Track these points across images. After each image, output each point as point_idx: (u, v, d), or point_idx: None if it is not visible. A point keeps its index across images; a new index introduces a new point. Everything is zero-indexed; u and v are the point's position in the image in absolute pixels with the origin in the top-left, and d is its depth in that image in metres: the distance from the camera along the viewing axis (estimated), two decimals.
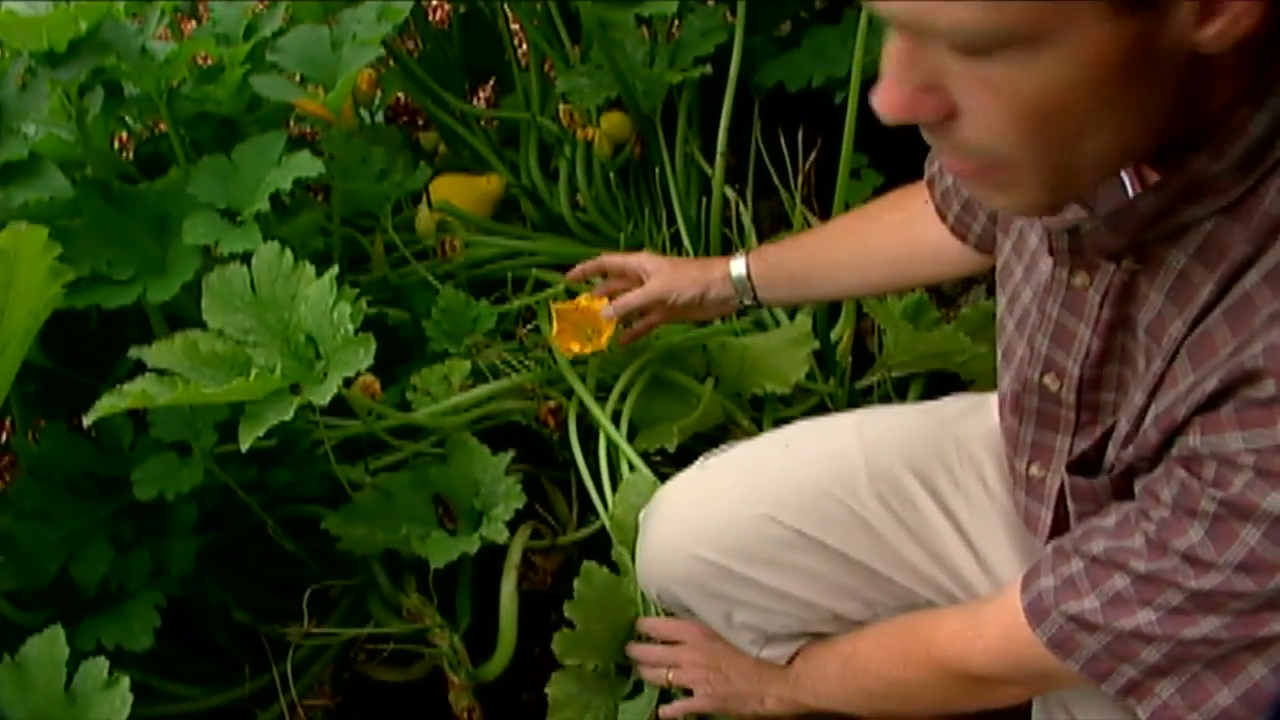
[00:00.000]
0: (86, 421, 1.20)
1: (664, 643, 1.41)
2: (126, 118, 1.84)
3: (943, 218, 1.25)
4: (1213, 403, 0.78)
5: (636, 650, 1.44)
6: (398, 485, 1.55)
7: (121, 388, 1.24)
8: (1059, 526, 1.04)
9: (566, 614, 1.42)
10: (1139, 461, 0.88)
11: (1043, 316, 0.95)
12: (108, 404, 1.21)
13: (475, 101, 2.37)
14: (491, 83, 2.41)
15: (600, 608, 1.44)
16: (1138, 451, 0.87)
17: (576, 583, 1.43)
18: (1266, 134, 0.72)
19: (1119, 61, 0.67)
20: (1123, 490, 0.93)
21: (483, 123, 2.24)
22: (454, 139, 2.20)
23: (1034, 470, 1.05)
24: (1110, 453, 0.93)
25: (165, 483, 1.38)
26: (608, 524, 1.50)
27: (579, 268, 1.64)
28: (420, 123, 2.44)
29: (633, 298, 1.54)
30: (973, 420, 1.24)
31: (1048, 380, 0.97)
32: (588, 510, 1.70)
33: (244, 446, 1.23)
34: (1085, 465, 0.97)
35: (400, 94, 2.37)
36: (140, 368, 1.33)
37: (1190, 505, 0.81)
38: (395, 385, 1.68)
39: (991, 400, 1.24)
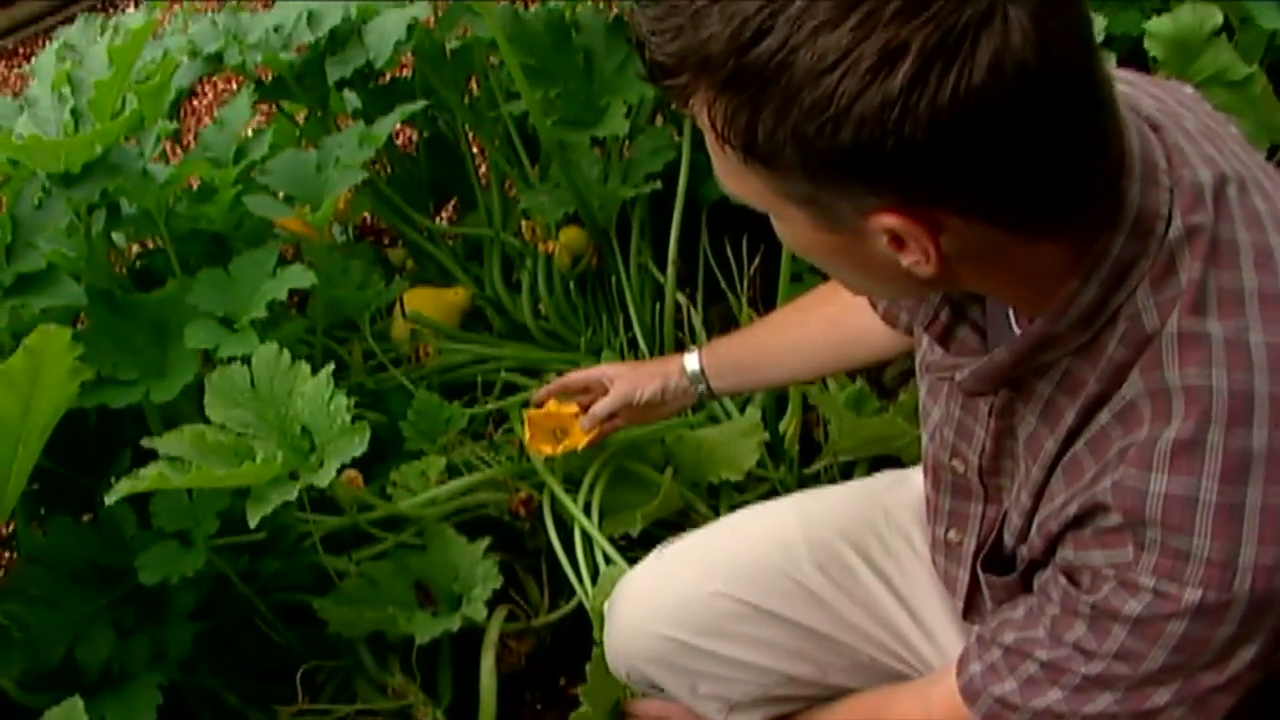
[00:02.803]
0: (109, 501, 1.33)
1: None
2: (112, 234, 1.97)
3: (874, 306, 1.41)
4: (1078, 523, 0.94)
5: None
6: (381, 573, 1.67)
7: (138, 472, 1.36)
8: (976, 585, 1.18)
9: (581, 698, 1.52)
10: (1034, 560, 1.04)
11: (947, 411, 1.11)
12: (127, 486, 1.34)
13: (439, 219, 2.53)
14: (454, 202, 2.57)
15: (602, 690, 1.55)
16: (1030, 554, 1.03)
17: (588, 668, 1.53)
18: (1097, 299, 0.87)
19: (839, 251, 0.89)
20: (1028, 583, 1.07)
21: (448, 239, 2.40)
22: (421, 254, 2.36)
23: (951, 535, 1.20)
24: (1008, 541, 1.09)
25: (169, 568, 1.49)
26: (590, 611, 1.62)
27: (544, 390, 1.76)
28: (386, 240, 2.59)
29: (602, 406, 1.68)
30: (898, 492, 1.40)
31: (955, 463, 1.13)
32: (558, 595, 1.83)
33: (252, 523, 1.36)
34: (997, 561, 1.12)
35: (367, 213, 2.53)
36: (138, 463, 1.46)
37: (1073, 607, 0.96)
38: (374, 483, 1.81)
39: (913, 474, 1.40)
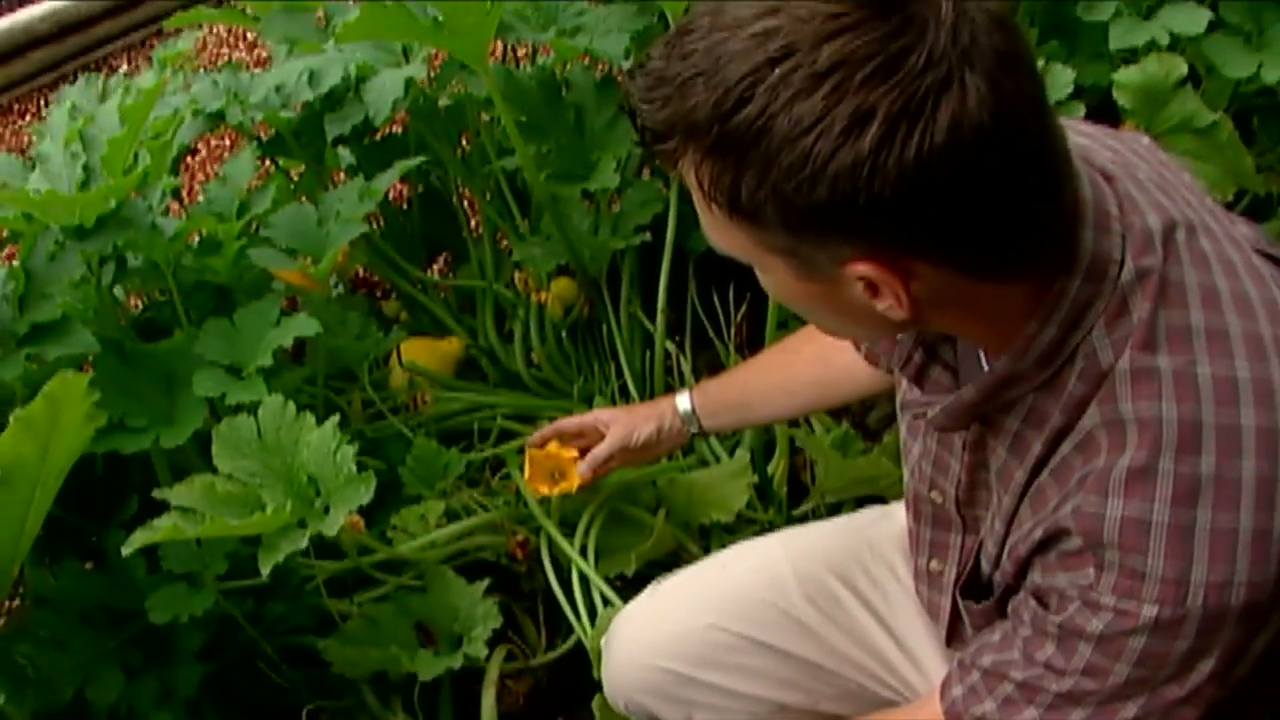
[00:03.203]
0: (125, 553, 1.39)
1: None
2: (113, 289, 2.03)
3: (857, 347, 1.49)
4: (1043, 548, 1.01)
5: None
6: (383, 614, 1.73)
7: (152, 523, 1.42)
8: (957, 613, 1.25)
9: None
10: (1008, 586, 1.11)
11: (925, 446, 1.19)
12: (143, 537, 1.40)
13: (431, 273, 2.60)
14: (445, 256, 2.64)
15: None
16: (1004, 579, 1.10)
17: (595, 703, 1.58)
18: (1057, 339, 0.95)
19: (818, 298, 0.97)
20: (1004, 609, 1.14)
21: (441, 291, 2.47)
22: (414, 306, 2.43)
23: (933, 565, 1.27)
24: (985, 568, 1.16)
25: (179, 607, 1.54)
26: (590, 650, 1.67)
27: (538, 434, 1.83)
28: (378, 293, 2.66)
29: (602, 450, 1.74)
30: (882, 526, 1.48)
31: (934, 495, 1.21)
32: (554, 636, 1.89)
33: (264, 571, 1.42)
34: (975, 587, 1.19)
35: (359, 267, 2.59)
36: (145, 510, 1.52)
37: (1043, 628, 1.03)
38: (374, 527, 1.86)
39: (895, 509, 1.48)
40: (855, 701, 1.40)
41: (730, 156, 0.86)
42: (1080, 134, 1.07)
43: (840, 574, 1.42)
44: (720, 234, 0.95)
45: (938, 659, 1.35)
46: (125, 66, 3.47)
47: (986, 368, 1.07)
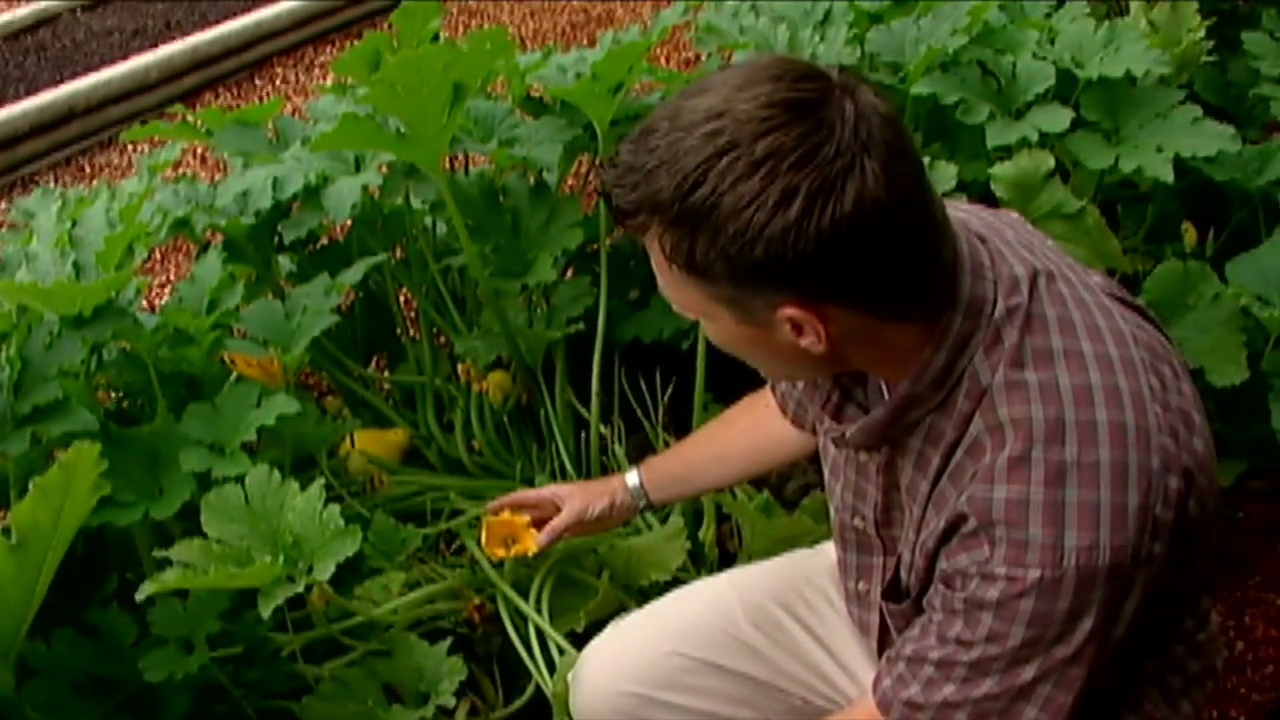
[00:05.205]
0: (139, 597, 1.56)
1: None
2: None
3: (784, 412, 1.74)
4: (946, 537, 1.25)
5: None
6: (353, 678, 1.90)
7: (158, 574, 1.58)
8: (884, 627, 1.48)
9: None
10: (921, 583, 1.33)
11: (845, 479, 1.44)
12: (153, 586, 1.58)
13: (369, 369, 2.80)
14: (378, 358, 2.84)
15: None
16: (916, 576, 1.34)
17: None
18: (946, 364, 1.20)
19: (754, 339, 1.23)
20: (921, 608, 1.36)
21: (382, 388, 2.66)
22: (355, 403, 2.62)
23: (860, 586, 1.51)
24: (904, 576, 1.39)
25: (173, 666, 1.70)
26: (551, 698, 1.85)
27: (495, 502, 2.03)
28: (316, 394, 2.84)
29: (559, 522, 1.94)
30: (815, 561, 1.73)
31: (856, 521, 1.45)
32: (511, 694, 2.06)
33: (264, 614, 1.61)
34: (895, 592, 1.42)
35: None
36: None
37: (951, 607, 1.25)
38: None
39: (826, 546, 1.72)
40: (800, 716, 1.62)
41: (687, 226, 1.11)
42: (960, 210, 1.35)
43: (782, 602, 1.65)
44: (676, 290, 1.21)
45: (869, 670, 1.56)
46: (52, 183, 3.63)
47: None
